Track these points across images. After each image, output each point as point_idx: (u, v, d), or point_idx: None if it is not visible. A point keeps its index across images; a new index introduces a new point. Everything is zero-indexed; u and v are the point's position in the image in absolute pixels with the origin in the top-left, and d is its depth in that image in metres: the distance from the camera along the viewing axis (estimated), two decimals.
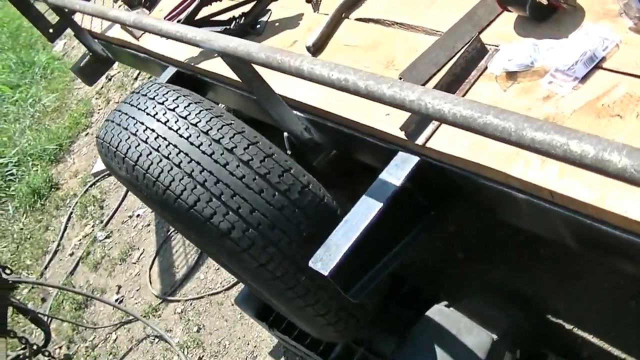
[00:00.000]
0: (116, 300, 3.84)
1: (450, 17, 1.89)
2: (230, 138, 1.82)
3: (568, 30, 1.65)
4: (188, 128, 1.85)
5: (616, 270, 2.16)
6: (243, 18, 2.54)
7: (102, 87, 6.18)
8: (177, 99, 1.95)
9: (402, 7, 2.07)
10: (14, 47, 7.97)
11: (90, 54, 3.82)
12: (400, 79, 1.82)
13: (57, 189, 5.18)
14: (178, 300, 3.54)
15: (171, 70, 2.83)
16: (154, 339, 3.47)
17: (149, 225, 4.18)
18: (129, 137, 1.93)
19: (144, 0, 3.31)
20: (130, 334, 3.61)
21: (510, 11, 1.75)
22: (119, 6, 4.11)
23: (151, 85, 2.08)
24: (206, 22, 2.62)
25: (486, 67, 1.70)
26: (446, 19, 1.90)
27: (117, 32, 3.30)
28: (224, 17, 2.62)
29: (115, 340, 3.64)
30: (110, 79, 6.13)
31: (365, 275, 1.68)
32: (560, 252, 2.35)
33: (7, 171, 5.65)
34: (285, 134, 2.16)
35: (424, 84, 1.79)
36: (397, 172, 1.69)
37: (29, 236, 4.87)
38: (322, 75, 1.50)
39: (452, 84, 1.72)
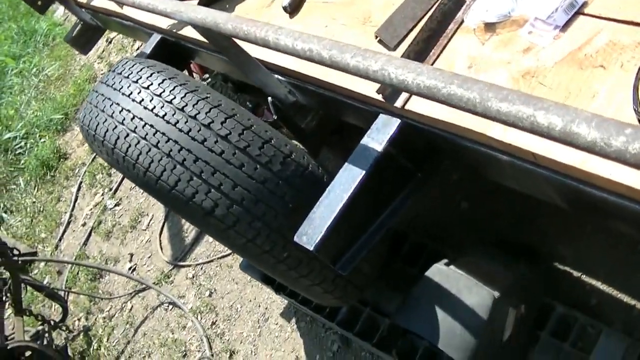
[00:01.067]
0: (129, 269, 3.86)
1: None
2: (206, 113, 1.76)
3: None
4: (163, 106, 1.79)
5: None
6: None
7: (103, 51, 6.10)
8: (150, 75, 1.89)
9: None
10: (15, 17, 7.87)
11: (81, 23, 3.75)
12: (377, 37, 1.74)
13: (65, 159, 5.17)
14: (189, 265, 3.54)
15: (156, 38, 2.76)
16: (167, 306, 3.50)
17: None
18: (105, 120, 1.88)
19: None
20: (144, 302, 3.64)
21: None
22: None
23: (125, 63, 2.02)
24: None
25: (463, 20, 1.61)
26: None
27: (102, 1, 3.22)
28: None
29: (131, 309, 3.67)
30: (110, 42, 6.04)
31: (353, 246, 1.64)
32: None
33: (16, 145, 5.65)
34: (270, 98, 2.09)
35: (401, 40, 1.71)
36: (379, 135, 1.62)
37: (41, 209, 4.89)
38: (286, 45, 1.43)
39: (429, 39, 1.63)
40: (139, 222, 4.07)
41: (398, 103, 1.59)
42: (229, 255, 3.38)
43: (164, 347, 3.35)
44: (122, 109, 1.85)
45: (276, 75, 2.03)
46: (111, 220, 4.25)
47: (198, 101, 1.79)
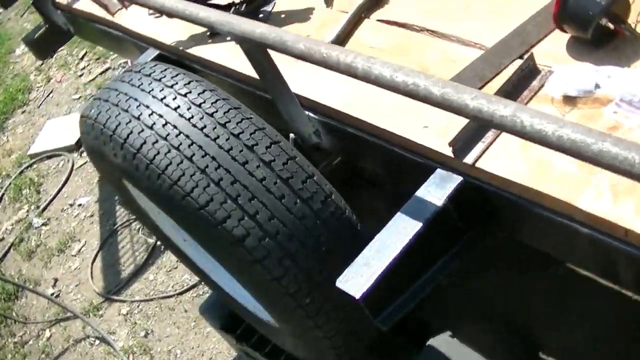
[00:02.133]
0: (52, 295, 3.53)
1: (486, 28, 1.78)
2: (250, 134, 1.63)
3: (629, 59, 1.55)
4: (203, 117, 1.65)
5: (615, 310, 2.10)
6: (244, 5, 2.35)
7: (42, 64, 5.81)
8: (189, 83, 1.75)
9: (430, 13, 1.94)
10: None
11: (47, 25, 3.51)
12: None
13: None
14: (124, 301, 3.28)
15: (151, 53, 2.60)
16: (94, 340, 3.21)
17: (92, 216, 3.89)
18: (130, 121, 1.71)
19: None
20: (66, 332, 3.32)
21: (565, 31, 1.64)
22: None
23: (155, 66, 1.87)
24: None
25: (540, 88, 1.59)
26: (482, 30, 1.79)
27: (86, 5, 3.02)
28: (221, 1, 2.43)
29: (49, 337, 3.34)
30: (52, 57, 5.75)
31: (398, 300, 1.53)
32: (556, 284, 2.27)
33: None
34: (292, 134, 1.99)
35: None
36: (438, 191, 1.55)
37: None
38: (382, 76, 1.34)
39: None
40: (69, 246, 3.77)
41: (468, 159, 1.52)
42: (172, 296, 3.16)
43: None
44: (153, 112, 1.69)
45: (307, 112, 1.94)
46: (35, 240, 3.91)
47: (242, 120, 1.66)
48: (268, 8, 2.35)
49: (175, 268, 3.22)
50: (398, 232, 1.51)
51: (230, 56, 2.19)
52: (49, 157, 4.49)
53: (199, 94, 1.70)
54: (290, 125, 1.95)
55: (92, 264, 3.55)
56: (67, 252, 3.72)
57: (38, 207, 4.11)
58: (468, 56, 1.76)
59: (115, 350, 3.04)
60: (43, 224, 3.97)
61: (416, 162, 1.67)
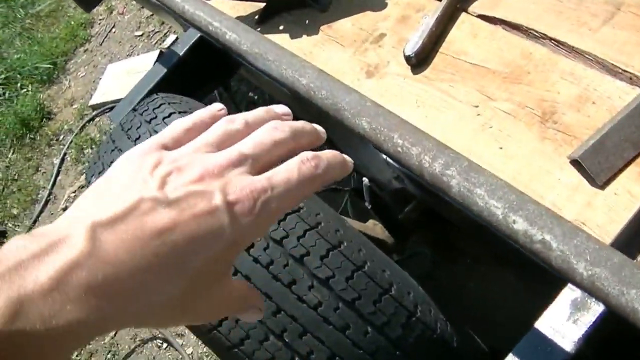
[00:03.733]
0: None
1: (634, 42, 1.20)
2: (299, 238, 1.15)
3: None
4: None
5: None
6: None
7: None
8: None
9: (552, 13, 1.34)
10: None
11: None
12: (576, 161, 1.14)
13: (49, 120, 4.48)
14: None
15: (193, 35, 2.10)
16: (161, 343, 2.92)
17: None
18: None
19: None
20: (132, 331, 3.05)
21: None
22: None
23: (161, 106, 1.39)
24: None
25: None
26: (629, 46, 1.20)
27: None
28: None
29: (113, 336, 3.08)
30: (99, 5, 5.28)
31: None
32: None
33: None
34: (366, 180, 1.50)
35: (614, 176, 1.11)
36: (569, 325, 1.04)
37: (16, 177, 4.22)
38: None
39: None
40: None
41: None
42: None
43: None
44: None
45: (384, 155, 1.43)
46: None
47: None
48: None
49: None
50: None
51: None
52: (111, 109, 4.13)
53: None
54: (363, 171, 1.47)
55: None
56: None
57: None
58: (610, 93, 1.18)
59: (183, 356, 2.75)
60: None
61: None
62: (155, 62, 2.21)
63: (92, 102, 4.28)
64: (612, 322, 1.04)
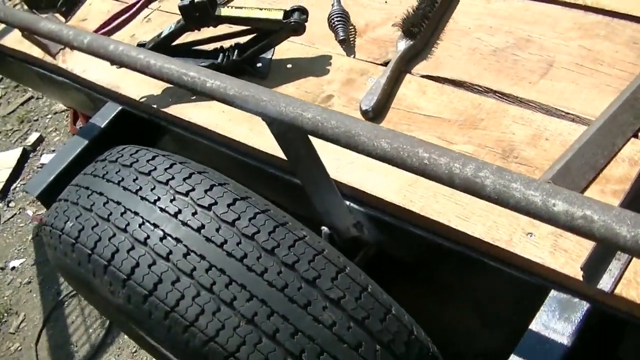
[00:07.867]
0: None
1: (571, 90, 1.42)
2: (309, 262, 1.19)
3: None
4: (219, 229, 1.20)
5: None
6: (236, 52, 1.90)
7: None
8: (189, 177, 1.29)
9: (492, 71, 1.55)
10: None
11: None
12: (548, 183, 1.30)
13: None
14: None
15: (112, 109, 2.11)
16: None
17: (29, 282, 3.31)
18: (113, 235, 1.24)
19: (59, 3, 2.52)
20: None
21: None
22: (16, 5, 3.27)
23: (138, 152, 1.40)
24: (185, 52, 1.95)
25: None
26: (567, 94, 1.42)
27: (16, 42, 2.48)
28: (207, 46, 1.96)
29: None
30: None
31: None
32: None
33: None
34: (325, 228, 1.56)
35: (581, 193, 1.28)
36: (559, 324, 1.16)
37: None
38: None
39: (636, 202, 1.22)
40: (5, 322, 3.18)
41: (605, 286, 1.14)
42: None
43: None
44: (144, 221, 1.23)
45: (348, 202, 1.52)
46: None
47: (287, 235, 1.22)
48: (267, 55, 1.90)
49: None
50: None
51: (225, 119, 1.75)
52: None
53: (205, 191, 1.25)
54: (324, 217, 1.53)
55: (37, 344, 2.99)
56: (4, 330, 3.14)
57: None
58: (560, 130, 1.38)
59: None
60: None
61: (516, 278, 1.28)
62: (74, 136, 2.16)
63: None
64: (596, 315, 1.17)
